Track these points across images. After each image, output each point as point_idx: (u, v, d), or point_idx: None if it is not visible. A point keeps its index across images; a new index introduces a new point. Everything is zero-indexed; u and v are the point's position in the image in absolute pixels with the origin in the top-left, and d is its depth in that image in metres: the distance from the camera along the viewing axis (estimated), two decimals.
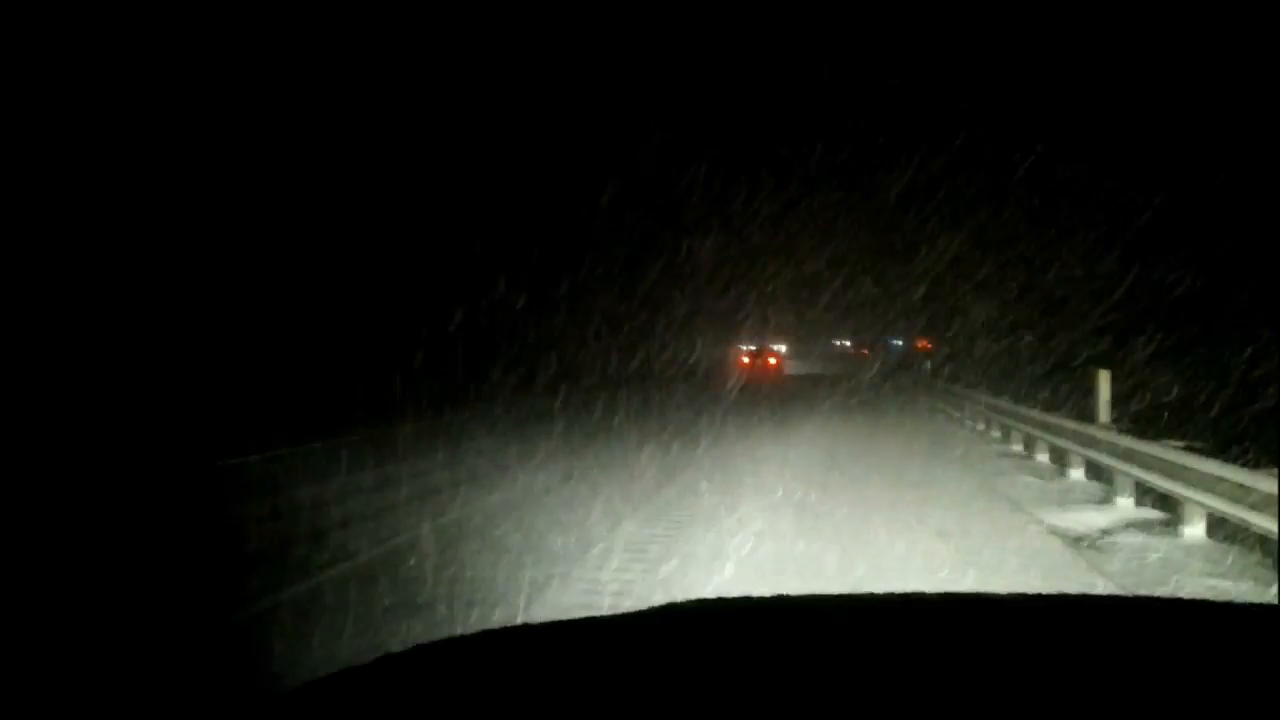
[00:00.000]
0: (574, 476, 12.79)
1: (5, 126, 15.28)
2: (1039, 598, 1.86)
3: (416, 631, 6.27)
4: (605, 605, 9.47)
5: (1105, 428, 13.15)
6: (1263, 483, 8.18)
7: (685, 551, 8.68)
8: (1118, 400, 14.21)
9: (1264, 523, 8.03)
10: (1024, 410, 17.44)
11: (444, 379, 20.44)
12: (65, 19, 16.71)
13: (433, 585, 7.39)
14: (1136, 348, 18.12)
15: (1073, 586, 7.73)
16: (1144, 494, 11.37)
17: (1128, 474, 11.47)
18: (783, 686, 1.38)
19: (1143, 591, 7.66)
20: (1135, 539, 9.85)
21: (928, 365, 36.39)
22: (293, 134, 21.25)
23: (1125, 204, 20.82)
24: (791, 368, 50.03)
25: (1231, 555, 8.97)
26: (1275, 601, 7.46)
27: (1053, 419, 15.35)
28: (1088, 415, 14.15)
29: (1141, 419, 14.10)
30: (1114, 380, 14.27)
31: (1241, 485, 8.51)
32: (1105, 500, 12.00)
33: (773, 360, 44.29)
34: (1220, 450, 10.86)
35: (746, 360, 42.95)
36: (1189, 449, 10.34)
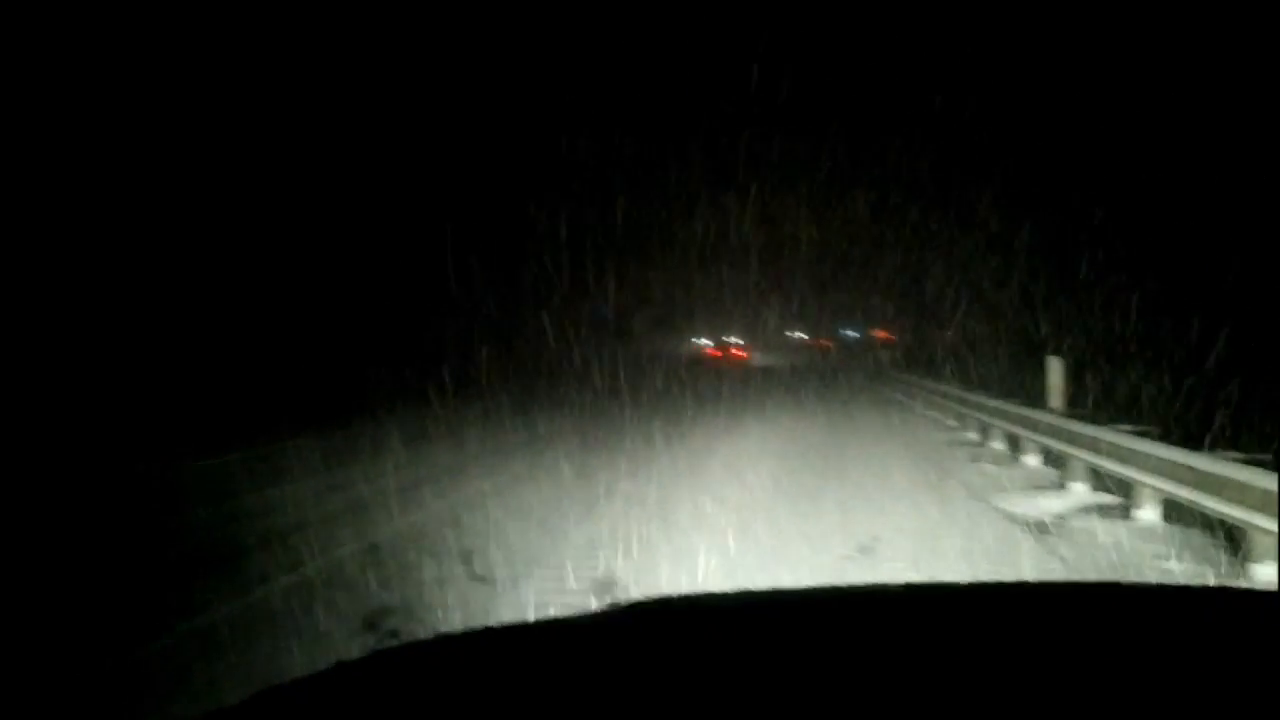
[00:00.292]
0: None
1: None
2: (998, 585, 1.87)
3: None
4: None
5: (1058, 413, 13.31)
6: (1212, 465, 8.33)
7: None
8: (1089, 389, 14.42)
9: (1215, 505, 8.17)
10: (978, 398, 17.60)
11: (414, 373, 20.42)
12: (65, 19, 16.43)
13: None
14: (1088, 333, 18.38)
15: (1029, 572, 7.82)
16: (1099, 479, 11.52)
17: (1081, 459, 11.62)
18: (748, 681, 1.37)
19: (1098, 576, 7.76)
20: (1090, 524, 9.98)
21: (884, 355, 36.69)
22: (270, 134, 21.02)
23: (1078, 195, 21.09)
24: (757, 360, 51.67)
25: (1185, 537, 9.12)
26: (1228, 583, 7.59)
27: (1006, 405, 15.50)
28: (1041, 402, 14.33)
29: (1098, 405, 14.31)
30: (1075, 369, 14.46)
31: (1190, 467, 8.65)
32: (1060, 486, 12.15)
33: (737, 353, 48.63)
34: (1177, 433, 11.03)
35: (717, 353, 47.89)
36: (1141, 433, 10.49)
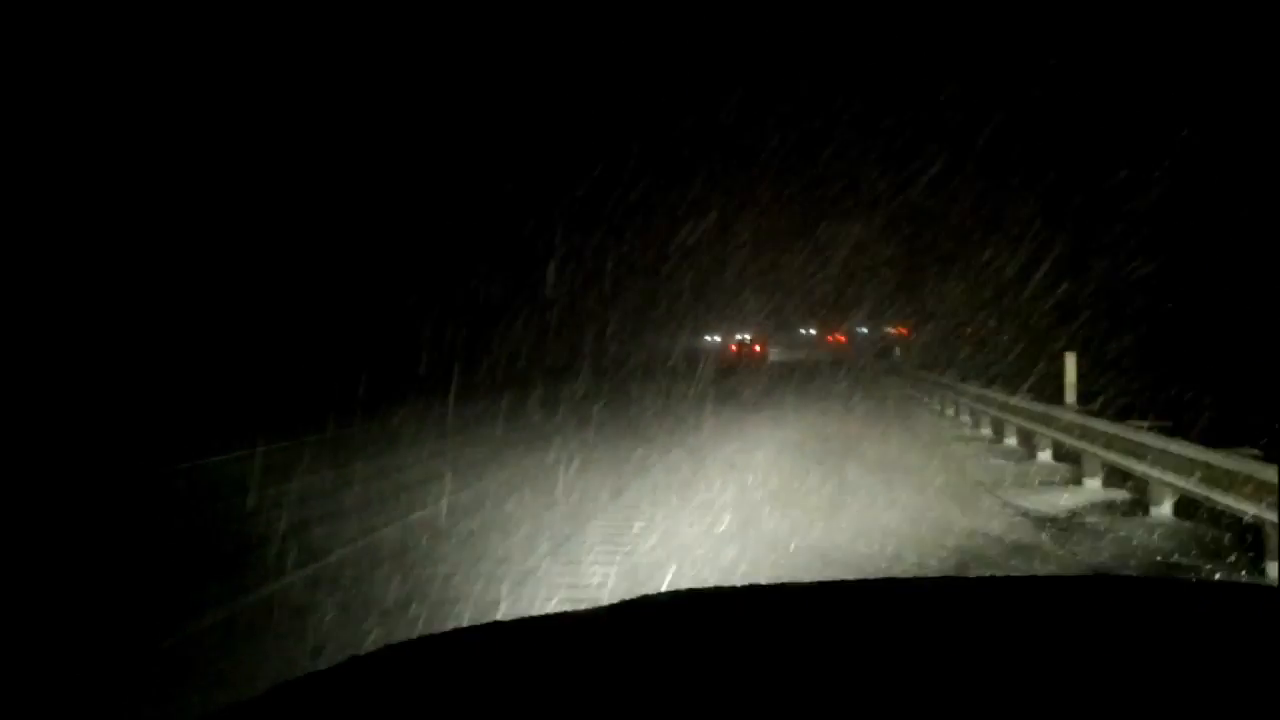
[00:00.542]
0: None
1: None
2: (1009, 579, 1.87)
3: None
4: None
5: (1072, 409, 13.27)
6: (1228, 461, 8.28)
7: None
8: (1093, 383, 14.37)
9: (1229, 501, 8.13)
10: (992, 394, 17.56)
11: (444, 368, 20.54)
12: (65, 20, 16.51)
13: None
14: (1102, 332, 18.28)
15: (1042, 568, 7.80)
16: (1112, 475, 11.48)
17: (1095, 455, 11.58)
18: (759, 676, 1.37)
19: (1111, 571, 7.74)
20: (1103, 520, 9.95)
21: (897, 351, 36.59)
22: (266, 133, 21.11)
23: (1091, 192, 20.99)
24: (772, 355, 52.75)
25: (1198, 533, 9.07)
26: (1242, 579, 7.55)
27: (1020, 402, 15.46)
28: (1056, 398, 14.29)
29: (1110, 401, 14.25)
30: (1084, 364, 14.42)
31: (1206, 464, 8.61)
32: (1073, 482, 12.11)
33: (758, 348, 50.96)
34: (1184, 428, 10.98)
35: (735, 348, 50.37)
36: (1154, 429, 10.44)
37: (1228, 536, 8.75)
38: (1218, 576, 7.59)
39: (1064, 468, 13.13)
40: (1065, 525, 9.70)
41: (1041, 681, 1.30)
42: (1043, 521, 9.83)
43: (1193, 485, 8.83)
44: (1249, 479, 7.81)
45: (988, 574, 1.91)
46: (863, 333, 61.22)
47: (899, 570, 7.11)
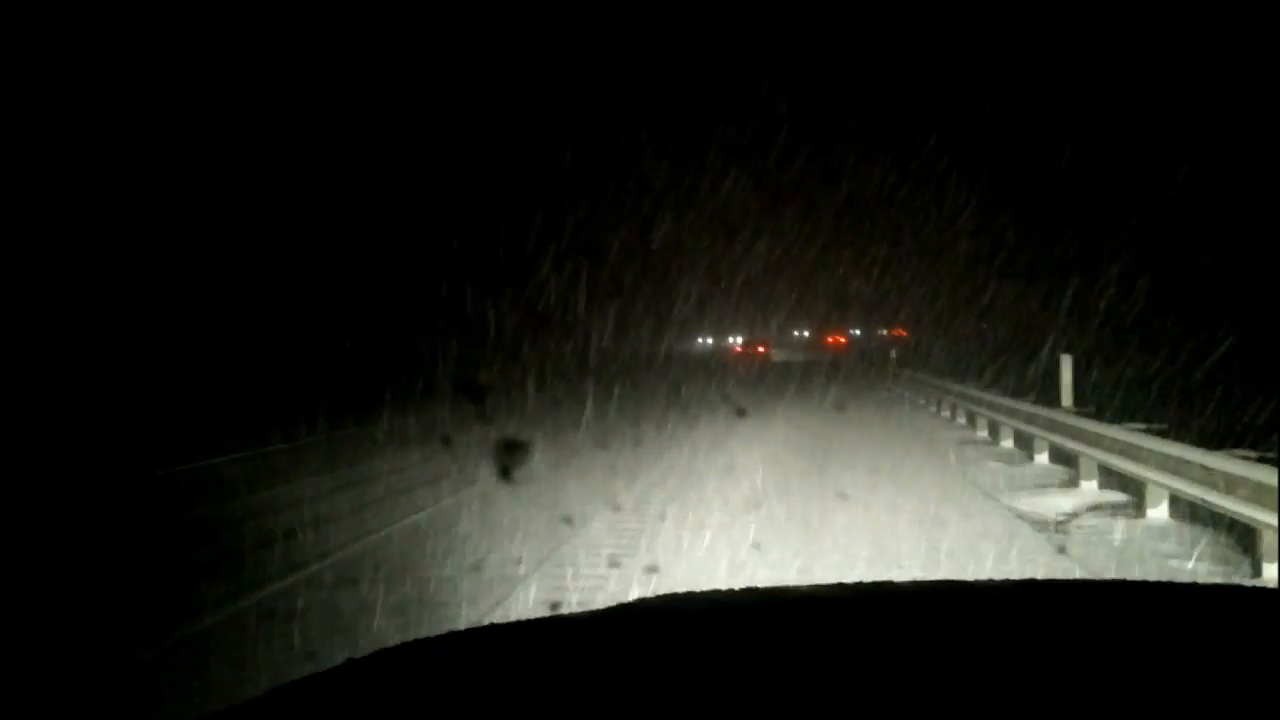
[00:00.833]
0: None
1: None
2: (1007, 583, 1.86)
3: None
4: None
5: (1069, 411, 13.27)
6: (1224, 463, 8.28)
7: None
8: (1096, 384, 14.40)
9: (1224, 503, 8.13)
10: (989, 396, 17.57)
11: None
12: (66, 19, 16.47)
13: None
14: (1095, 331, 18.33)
15: (1039, 570, 7.79)
16: (1108, 476, 11.48)
17: (1091, 457, 11.58)
18: (755, 680, 1.36)
19: (1108, 574, 7.74)
20: (1100, 522, 9.95)
21: (893, 353, 36.61)
22: (265, 134, 21.10)
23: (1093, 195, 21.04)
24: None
25: (1194, 536, 9.07)
26: (1239, 581, 7.55)
27: (1017, 404, 15.47)
28: (1052, 400, 14.29)
29: (1106, 402, 14.27)
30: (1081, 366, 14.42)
31: (1203, 466, 8.61)
32: (1070, 484, 12.11)
33: (761, 348, 53.25)
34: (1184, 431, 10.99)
35: (741, 349, 53.61)
36: (1150, 431, 10.45)
37: (1225, 539, 8.76)
38: (1216, 579, 7.58)
39: (1061, 470, 13.13)
40: (1062, 528, 9.70)
41: (1041, 687, 1.29)
42: (1039, 524, 9.83)
43: (1189, 487, 8.83)
44: (1246, 481, 7.81)
45: (985, 577, 1.90)
46: (856, 335, 61.55)
47: (896, 574, 7.11)
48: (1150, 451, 9.80)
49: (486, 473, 12.40)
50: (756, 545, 8.39)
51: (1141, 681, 1.31)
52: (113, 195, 18.31)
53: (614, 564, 7.98)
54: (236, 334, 19.89)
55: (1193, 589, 1.92)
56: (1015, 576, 1.89)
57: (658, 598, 1.79)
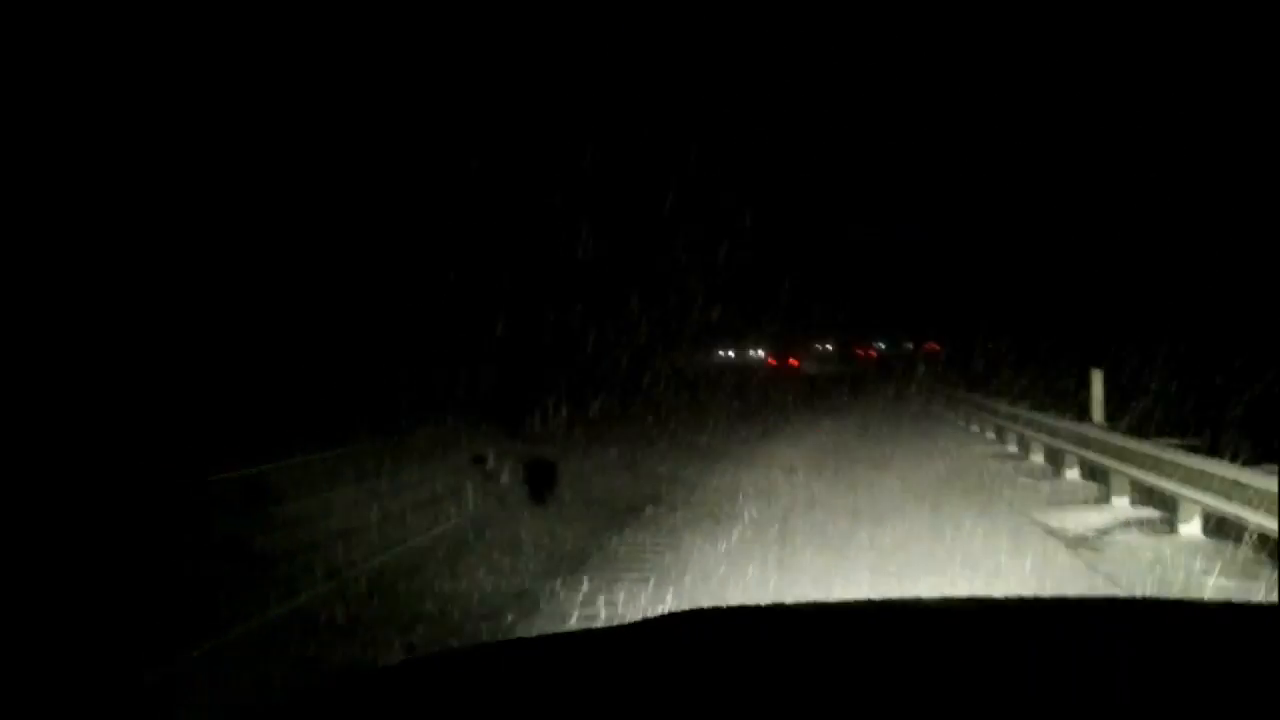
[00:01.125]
0: None
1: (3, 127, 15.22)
2: (1037, 600, 1.85)
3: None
4: None
5: (1100, 427, 13.16)
6: (1258, 479, 8.18)
7: None
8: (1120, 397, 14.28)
9: (1260, 519, 8.03)
10: (1018, 410, 17.44)
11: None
12: (66, 19, 16.62)
13: None
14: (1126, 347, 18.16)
15: (1071, 587, 7.72)
16: (1140, 493, 11.36)
17: (1123, 473, 11.46)
18: (785, 695, 1.37)
19: (1141, 591, 7.65)
20: (1132, 538, 9.85)
21: (921, 368, 36.44)
22: (295, 136, 21.25)
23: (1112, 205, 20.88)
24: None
25: (1229, 553, 8.95)
26: (1274, 599, 7.45)
27: (1047, 419, 15.35)
28: (1083, 414, 14.17)
29: (1139, 415, 14.14)
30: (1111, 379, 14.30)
31: (1237, 482, 8.51)
32: (1101, 500, 12.00)
33: (793, 361, 55.12)
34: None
35: (774, 362, 55.55)
36: (1184, 447, 10.34)
37: (1260, 555, 8.64)
38: (1250, 597, 7.48)
39: (1092, 486, 13.01)
40: (1094, 544, 9.61)
41: (1070, 703, 1.29)
42: (1071, 540, 9.74)
43: (1222, 503, 8.73)
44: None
45: (1015, 594, 1.90)
46: (880, 347, 61.53)
47: (924, 590, 7.07)
48: (1181, 467, 9.70)
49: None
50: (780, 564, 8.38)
51: (1171, 700, 1.30)
52: (171, 201, 18.52)
53: None
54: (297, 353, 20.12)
55: (1225, 607, 1.90)
56: (1045, 593, 1.88)
57: (686, 612, 1.80)
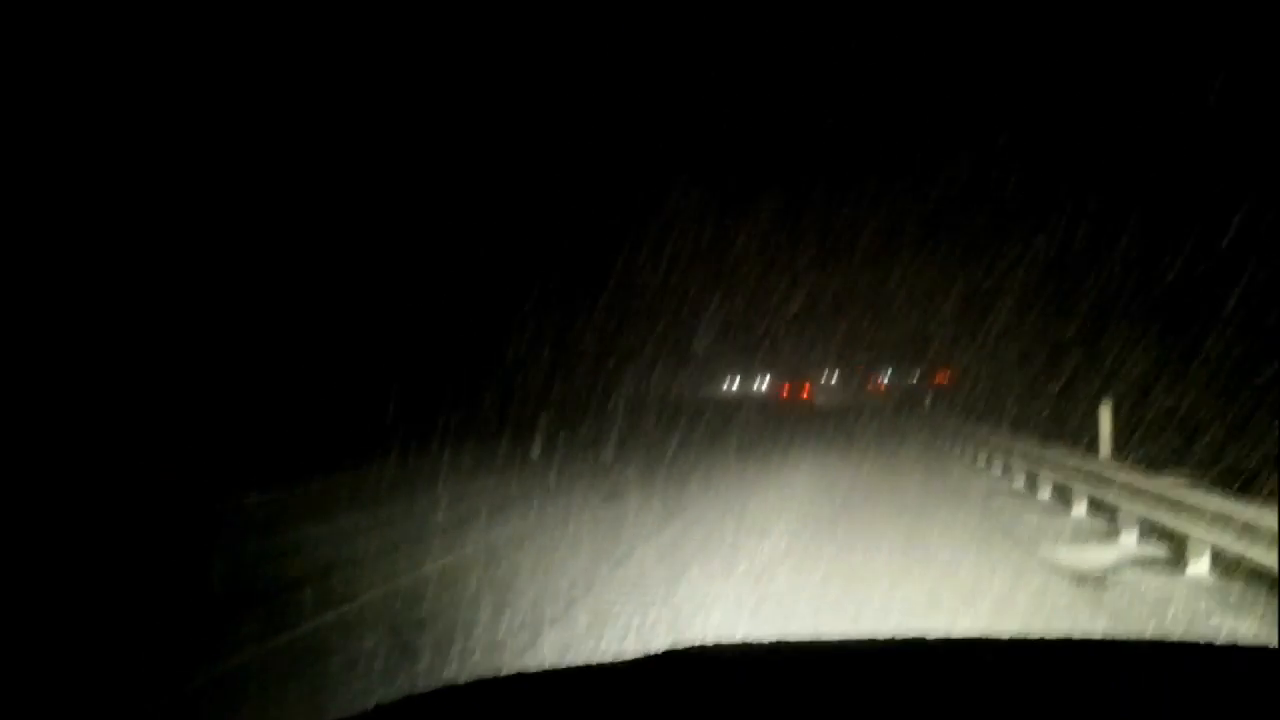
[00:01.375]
0: None
1: (8, 130, 15.27)
2: (1041, 640, 1.84)
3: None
4: None
5: (1108, 462, 13.09)
6: (1266, 517, 8.13)
7: None
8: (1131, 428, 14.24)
9: (1268, 558, 7.97)
10: (1025, 446, 17.37)
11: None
12: (67, 20, 16.68)
13: None
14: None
15: (1076, 626, 7.66)
16: (1149, 529, 11.29)
17: (1131, 510, 11.39)
18: None
19: (1147, 630, 7.60)
20: (1139, 576, 9.78)
21: (927, 400, 36.39)
22: (295, 147, 21.38)
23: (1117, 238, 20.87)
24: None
25: (1237, 593, 8.89)
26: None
27: (1054, 454, 15.28)
28: (1090, 449, 14.11)
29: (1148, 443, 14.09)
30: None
31: (1245, 521, 8.45)
32: (1109, 537, 11.93)
33: (804, 394, 55.40)
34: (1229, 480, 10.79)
35: (786, 395, 55.98)
36: (1193, 484, 10.28)
37: (1269, 593, 8.57)
38: (1259, 639, 7.42)
39: (1100, 522, 12.94)
40: (1101, 582, 9.54)
41: None
42: (1077, 578, 9.68)
43: (1231, 541, 8.67)
44: None
45: (1021, 633, 1.88)
46: (886, 379, 61.61)
47: (929, 627, 7.01)
48: (1189, 503, 9.64)
49: None
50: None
51: None
52: (203, 218, 18.64)
53: None
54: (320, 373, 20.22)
55: (1231, 650, 1.89)
56: (1052, 630, 1.87)
57: (688, 648, 1.79)
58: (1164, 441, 14.76)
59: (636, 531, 11.59)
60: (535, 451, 20.59)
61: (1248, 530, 8.38)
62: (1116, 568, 10.21)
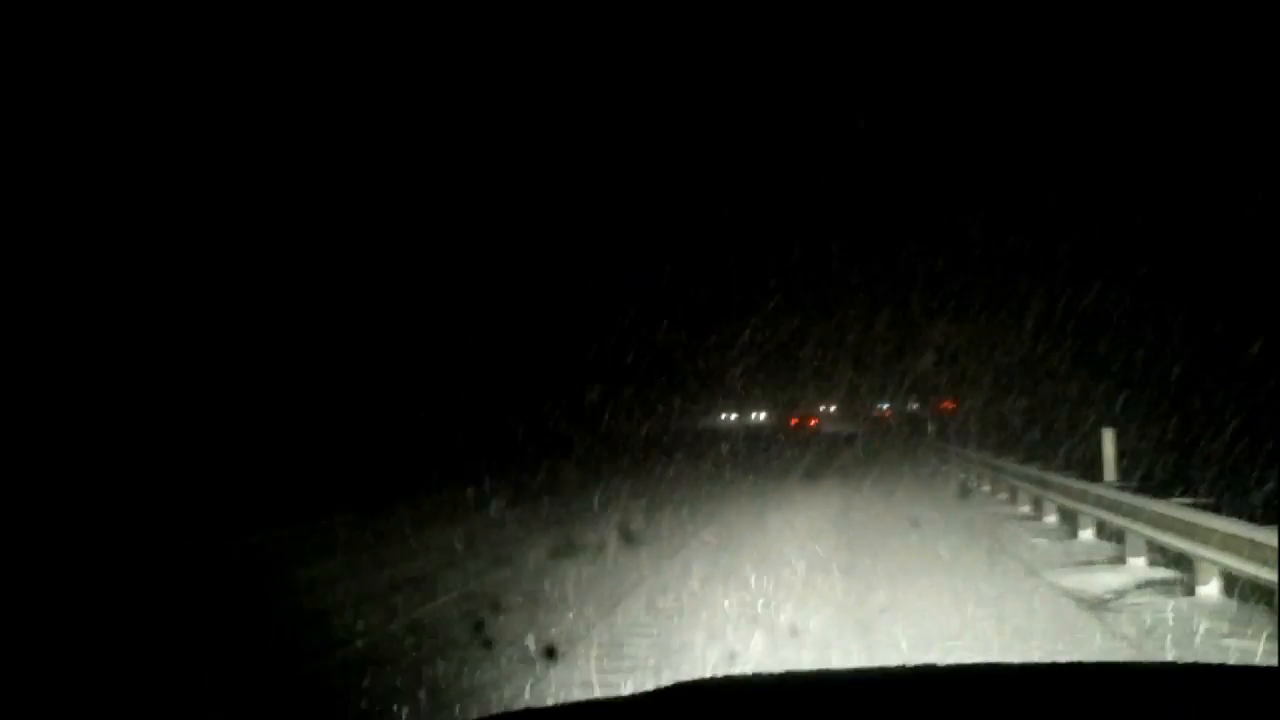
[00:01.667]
0: None
1: (11, 134, 15.24)
2: (1052, 667, 1.84)
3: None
4: None
5: (1113, 486, 13.06)
6: (1273, 538, 8.09)
7: None
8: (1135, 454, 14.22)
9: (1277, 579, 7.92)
10: (1031, 471, 17.32)
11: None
12: (68, 21, 16.68)
13: None
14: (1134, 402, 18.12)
15: (1087, 650, 7.62)
16: (1157, 552, 11.24)
17: (1139, 533, 11.35)
18: None
19: (1158, 653, 7.56)
20: (1149, 599, 9.73)
21: (930, 428, 36.32)
22: (324, 168, 21.45)
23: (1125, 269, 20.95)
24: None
25: (1247, 613, 8.83)
26: None
27: (1060, 478, 15.24)
28: (1095, 474, 14.08)
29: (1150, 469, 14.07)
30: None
31: (1253, 541, 8.42)
32: (1117, 560, 11.87)
33: (812, 422, 56.87)
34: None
35: (795, 422, 57.46)
36: (1198, 506, 10.24)
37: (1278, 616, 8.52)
38: (1272, 661, 7.37)
39: (1107, 546, 12.89)
40: (1110, 606, 9.50)
41: None
42: (1086, 603, 9.64)
43: (1240, 563, 8.63)
44: None
45: (1031, 659, 1.88)
46: (882, 408, 61.68)
47: (936, 656, 6.98)
48: (1197, 527, 9.60)
49: None
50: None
51: None
52: (233, 240, 18.69)
53: None
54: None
55: (1242, 671, 1.89)
56: (1063, 656, 1.87)
57: (703, 680, 1.79)
58: (1164, 464, 14.75)
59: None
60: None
61: (1255, 550, 8.35)
62: (1125, 591, 10.16)
